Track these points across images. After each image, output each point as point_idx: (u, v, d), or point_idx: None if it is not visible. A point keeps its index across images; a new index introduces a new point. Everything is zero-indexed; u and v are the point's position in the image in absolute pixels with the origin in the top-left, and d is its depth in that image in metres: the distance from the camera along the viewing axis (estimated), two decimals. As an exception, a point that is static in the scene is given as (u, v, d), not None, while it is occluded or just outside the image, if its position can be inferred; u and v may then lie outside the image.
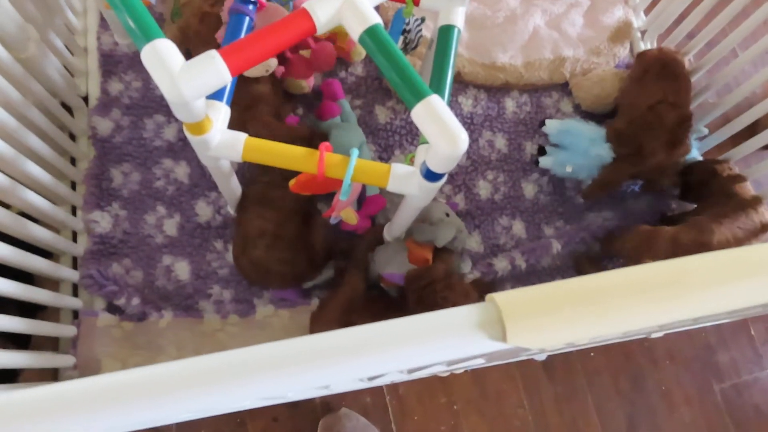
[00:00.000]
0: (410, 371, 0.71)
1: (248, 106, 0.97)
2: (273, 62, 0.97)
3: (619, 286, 0.32)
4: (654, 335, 1.16)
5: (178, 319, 1.00)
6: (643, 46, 1.33)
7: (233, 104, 0.89)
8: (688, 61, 1.24)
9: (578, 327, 0.30)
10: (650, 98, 1.07)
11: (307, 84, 1.14)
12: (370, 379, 0.70)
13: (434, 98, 0.63)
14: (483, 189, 1.19)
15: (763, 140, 1.09)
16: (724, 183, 1.06)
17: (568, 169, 1.12)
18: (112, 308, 1.00)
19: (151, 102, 1.13)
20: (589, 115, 1.26)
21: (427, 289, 0.90)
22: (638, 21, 1.35)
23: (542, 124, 1.21)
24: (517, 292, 0.31)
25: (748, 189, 1.06)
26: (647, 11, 1.35)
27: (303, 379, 0.28)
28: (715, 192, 1.07)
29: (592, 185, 1.14)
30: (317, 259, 0.99)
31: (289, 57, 1.05)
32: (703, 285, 0.33)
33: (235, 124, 0.88)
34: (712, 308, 0.34)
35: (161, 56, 0.60)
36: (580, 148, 1.11)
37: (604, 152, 1.09)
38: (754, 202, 1.02)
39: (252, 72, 0.96)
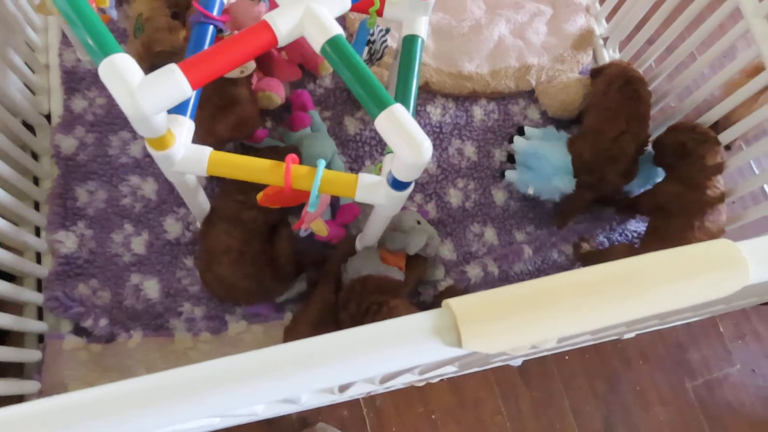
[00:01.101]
0: (382, 382, 0.71)
1: (222, 106, 0.96)
2: (250, 64, 0.96)
3: (573, 287, 0.32)
4: (626, 336, 1.17)
5: (147, 339, 0.98)
6: (605, 53, 1.36)
7: (207, 103, 0.90)
8: (649, 66, 1.27)
9: (533, 329, 0.31)
10: (615, 128, 1.08)
11: (279, 96, 1.13)
12: (342, 390, 0.70)
13: (397, 107, 0.63)
14: (454, 197, 1.19)
15: (723, 141, 1.11)
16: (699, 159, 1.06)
17: (530, 191, 1.14)
18: (78, 330, 0.98)
19: (116, 118, 1.12)
20: (556, 122, 1.28)
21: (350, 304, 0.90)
22: (600, 28, 1.38)
23: (511, 140, 1.21)
24: (472, 297, 0.31)
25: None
26: (608, 19, 1.38)
27: (256, 393, 0.27)
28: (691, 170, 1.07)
29: (560, 216, 1.18)
30: (284, 274, 0.99)
31: (274, 56, 1.03)
32: (655, 283, 0.34)
33: (206, 123, 0.89)
34: (665, 306, 0.34)
35: (119, 71, 0.59)
36: (543, 174, 1.11)
37: (563, 185, 1.10)
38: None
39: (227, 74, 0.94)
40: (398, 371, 0.58)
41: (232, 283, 0.94)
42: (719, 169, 1.05)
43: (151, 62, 1.09)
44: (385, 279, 0.93)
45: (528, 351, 0.51)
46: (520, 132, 1.23)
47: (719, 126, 1.14)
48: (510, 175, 1.17)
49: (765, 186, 1.31)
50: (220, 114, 0.96)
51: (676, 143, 1.08)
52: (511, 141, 1.20)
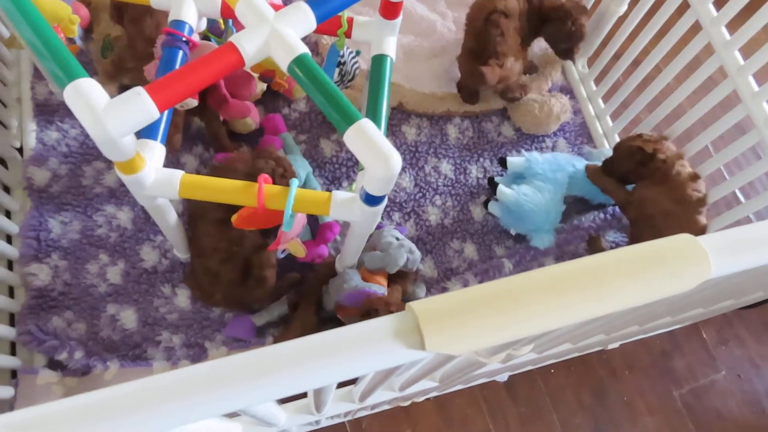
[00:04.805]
0: (362, 399, 0.70)
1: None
2: (191, 101, 0.95)
3: (537, 285, 0.32)
4: (610, 346, 1.17)
5: (125, 370, 0.96)
6: (574, 69, 1.39)
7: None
8: (617, 80, 1.30)
9: (498, 329, 0.30)
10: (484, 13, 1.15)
11: (254, 121, 1.13)
12: (318, 409, 0.68)
13: (364, 122, 0.64)
14: (432, 214, 1.20)
15: (694, 149, 1.14)
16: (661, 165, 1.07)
17: (512, 232, 1.18)
18: (53, 364, 0.95)
19: (91, 149, 1.11)
20: (532, 137, 1.30)
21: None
22: (568, 45, 1.41)
23: (491, 182, 1.21)
24: (434, 299, 0.31)
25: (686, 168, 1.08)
26: (576, 36, 1.41)
27: (204, 405, 0.27)
28: (654, 172, 1.08)
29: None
30: (266, 285, 0.98)
31: (228, 99, 1.04)
32: (618, 277, 0.34)
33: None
34: (630, 300, 0.34)
35: (84, 94, 0.59)
36: (523, 227, 1.14)
37: (541, 244, 1.13)
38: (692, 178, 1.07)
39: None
40: (372, 384, 0.57)
41: (216, 272, 0.95)
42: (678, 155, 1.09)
43: (121, 81, 1.09)
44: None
45: (505, 359, 0.51)
46: (502, 163, 1.22)
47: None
48: (493, 208, 1.18)
49: (737, 191, 1.34)
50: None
51: (634, 149, 1.09)
52: (491, 182, 1.21)
